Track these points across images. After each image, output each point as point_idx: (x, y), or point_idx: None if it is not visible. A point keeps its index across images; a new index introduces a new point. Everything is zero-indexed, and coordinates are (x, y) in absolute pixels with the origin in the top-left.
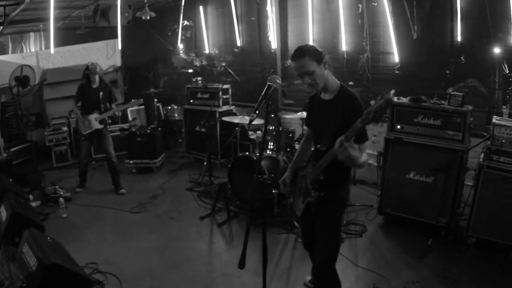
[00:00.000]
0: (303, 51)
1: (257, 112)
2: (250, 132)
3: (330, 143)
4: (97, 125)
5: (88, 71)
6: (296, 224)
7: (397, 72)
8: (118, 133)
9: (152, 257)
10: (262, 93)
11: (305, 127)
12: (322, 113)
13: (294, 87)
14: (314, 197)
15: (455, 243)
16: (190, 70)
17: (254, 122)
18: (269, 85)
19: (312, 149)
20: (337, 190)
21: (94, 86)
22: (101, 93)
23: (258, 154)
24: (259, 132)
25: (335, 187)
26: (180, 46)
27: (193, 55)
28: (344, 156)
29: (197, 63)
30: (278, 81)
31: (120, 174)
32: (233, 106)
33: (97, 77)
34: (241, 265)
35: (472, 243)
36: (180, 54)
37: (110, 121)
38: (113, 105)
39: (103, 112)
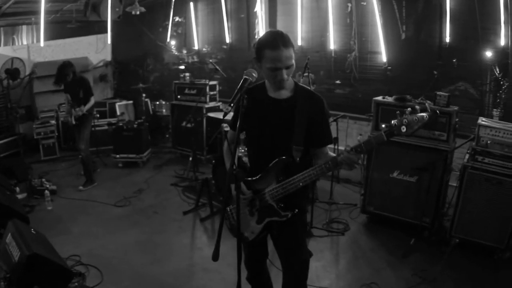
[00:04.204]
0: (288, 39)
1: (232, 105)
2: (224, 125)
3: (300, 153)
4: (73, 121)
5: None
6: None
7: (387, 73)
8: (106, 127)
9: (134, 250)
10: (238, 86)
11: (229, 131)
12: (278, 115)
13: None
14: (287, 217)
15: (438, 244)
16: (182, 67)
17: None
18: (245, 78)
19: (276, 161)
20: (302, 199)
21: (69, 79)
22: (77, 88)
23: (234, 147)
24: None
25: (301, 196)
26: (172, 42)
27: (185, 51)
28: (351, 169)
29: (188, 60)
30: (254, 74)
31: (106, 168)
32: (220, 103)
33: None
34: (215, 257)
35: (455, 244)
36: (172, 51)
37: (98, 115)
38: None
39: (76, 108)
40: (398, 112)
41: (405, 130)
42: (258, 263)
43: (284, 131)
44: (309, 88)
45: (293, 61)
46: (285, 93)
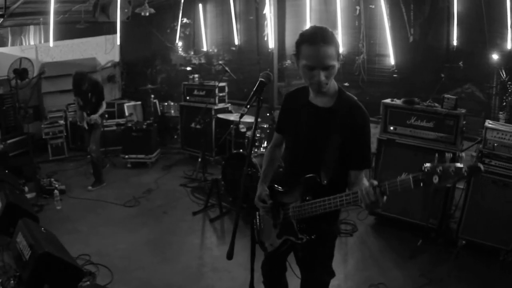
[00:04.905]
0: (330, 36)
1: (248, 106)
2: (241, 126)
3: (330, 174)
4: (85, 125)
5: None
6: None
7: (395, 75)
8: (114, 128)
9: (144, 250)
10: (254, 88)
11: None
12: (315, 125)
13: (292, 88)
14: (302, 241)
15: (445, 245)
16: (189, 68)
17: (247, 120)
18: (261, 80)
19: (306, 176)
20: (330, 223)
21: (83, 88)
22: (89, 94)
23: (249, 149)
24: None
25: (329, 220)
26: (179, 43)
27: (192, 52)
28: (372, 210)
29: (196, 61)
30: (270, 77)
31: (115, 168)
32: (229, 104)
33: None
34: (229, 256)
35: (462, 245)
36: (179, 52)
37: (107, 115)
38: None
39: (89, 113)
40: (437, 155)
41: (437, 181)
42: (274, 276)
43: (315, 146)
44: (355, 98)
45: (335, 63)
46: (326, 101)
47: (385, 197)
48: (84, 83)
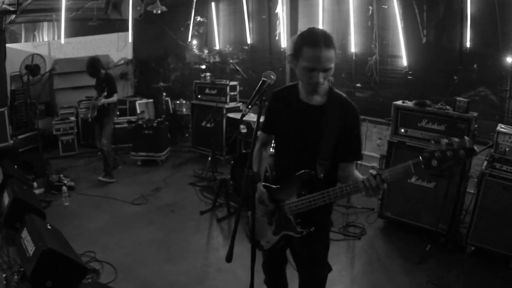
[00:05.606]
0: (331, 40)
1: (249, 107)
2: (242, 126)
3: (326, 168)
4: (95, 112)
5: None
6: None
7: (408, 77)
8: (125, 125)
9: (149, 248)
10: (256, 88)
11: (260, 133)
12: (306, 123)
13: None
14: (302, 234)
15: (454, 251)
16: (203, 66)
17: (250, 119)
18: (263, 80)
19: (300, 172)
20: (325, 215)
21: (101, 77)
22: (103, 84)
23: (251, 149)
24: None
25: (324, 212)
26: (193, 42)
27: (206, 51)
28: (371, 197)
29: (210, 60)
30: (272, 76)
31: (125, 166)
32: (241, 103)
33: (101, 71)
34: (228, 259)
35: (470, 252)
36: (194, 50)
37: (118, 112)
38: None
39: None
40: (433, 142)
41: (436, 164)
42: (276, 268)
43: (310, 142)
44: (345, 95)
45: (333, 65)
46: (317, 99)
47: (385, 185)
48: (99, 68)
